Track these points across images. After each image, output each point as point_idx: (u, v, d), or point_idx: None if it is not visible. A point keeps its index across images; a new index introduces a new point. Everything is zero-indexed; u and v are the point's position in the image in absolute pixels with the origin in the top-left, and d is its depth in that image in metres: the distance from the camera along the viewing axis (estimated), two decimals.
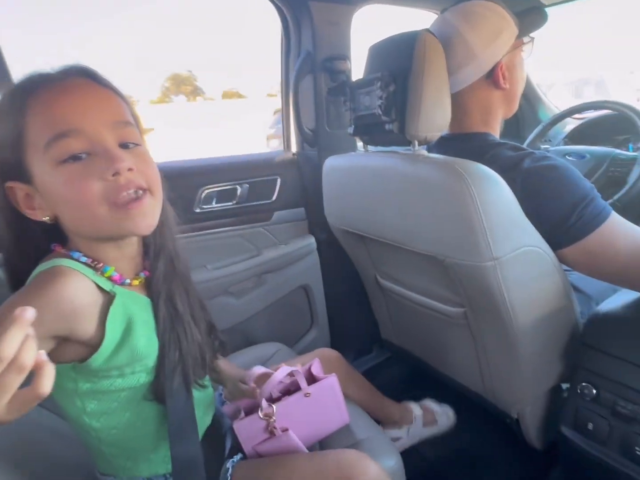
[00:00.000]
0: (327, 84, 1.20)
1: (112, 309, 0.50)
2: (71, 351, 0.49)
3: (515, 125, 1.73)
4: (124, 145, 0.50)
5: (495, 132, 0.89)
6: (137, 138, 0.52)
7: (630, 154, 1.25)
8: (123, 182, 0.47)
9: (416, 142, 0.82)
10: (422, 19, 1.46)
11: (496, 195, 0.70)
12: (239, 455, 0.67)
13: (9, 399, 0.29)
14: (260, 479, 0.62)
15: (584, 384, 0.77)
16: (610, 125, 1.47)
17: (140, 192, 0.49)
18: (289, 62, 1.24)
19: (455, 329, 0.94)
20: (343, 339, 1.44)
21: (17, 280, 0.51)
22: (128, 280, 0.55)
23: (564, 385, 0.86)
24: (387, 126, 0.83)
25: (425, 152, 0.83)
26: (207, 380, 0.64)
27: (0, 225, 0.51)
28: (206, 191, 1.17)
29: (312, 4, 1.12)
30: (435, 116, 0.80)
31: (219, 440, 0.68)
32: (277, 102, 1.34)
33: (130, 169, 0.48)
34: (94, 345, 0.49)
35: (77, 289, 0.47)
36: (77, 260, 0.50)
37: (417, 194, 0.79)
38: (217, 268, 1.18)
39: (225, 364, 0.71)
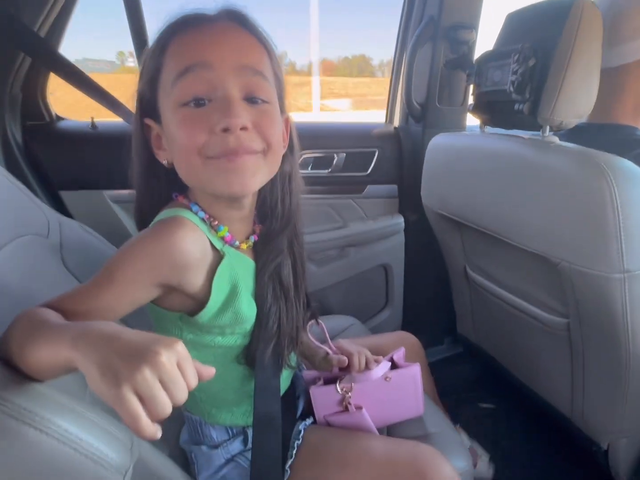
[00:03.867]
0: (446, 55, 1.11)
1: (220, 267, 0.50)
2: (178, 301, 0.50)
3: None
4: (250, 100, 0.46)
5: None
6: (268, 94, 0.48)
7: None
8: (232, 145, 0.44)
9: (547, 128, 0.74)
10: None
11: None
12: (311, 419, 0.68)
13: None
14: (331, 447, 0.62)
15: None
16: None
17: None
18: (408, 28, 1.17)
19: (551, 340, 0.86)
20: (415, 325, 1.39)
21: (142, 220, 0.54)
22: (237, 242, 0.54)
23: None
24: (516, 106, 0.74)
25: (557, 140, 0.74)
26: (293, 360, 0.64)
27: (135, 163, 0.53)
28: (303, 156, 1.16)
29: None
30: (578, 99, 0.70)
31: (293, 400, 0.69)
32: None
33: (243, 128, 0.44)
34: (199, 300, 0.50)
35: (193, 242, 0.47)
36: (196, 214, 0.51)
37: (541, 184, 0.71)
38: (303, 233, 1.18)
39: (305, 336, 0.70)
